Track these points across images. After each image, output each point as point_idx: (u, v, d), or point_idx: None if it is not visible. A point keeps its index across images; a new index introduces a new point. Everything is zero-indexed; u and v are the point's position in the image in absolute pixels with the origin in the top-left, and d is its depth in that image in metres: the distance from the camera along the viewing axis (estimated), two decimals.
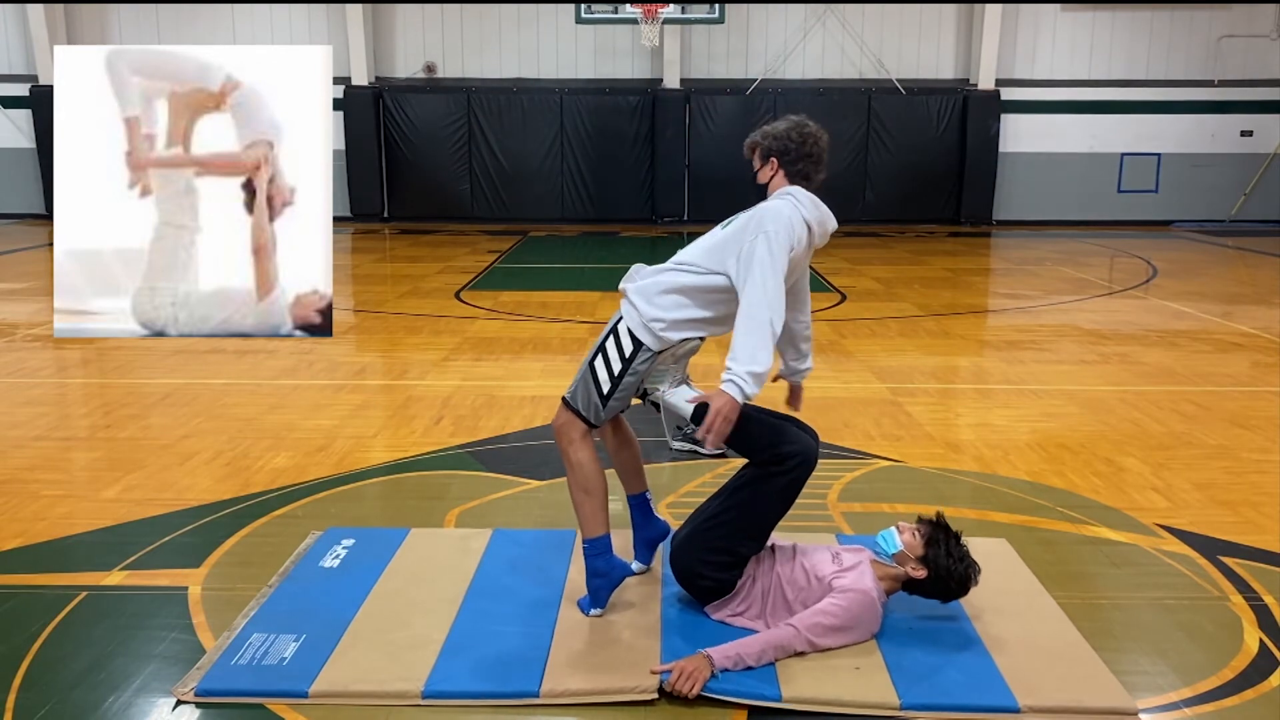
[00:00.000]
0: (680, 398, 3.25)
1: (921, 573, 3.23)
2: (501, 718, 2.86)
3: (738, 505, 3.26)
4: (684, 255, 3.32)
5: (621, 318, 3.28)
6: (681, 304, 3.21)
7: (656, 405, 3.25)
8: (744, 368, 2.98)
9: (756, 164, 3.43)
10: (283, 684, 2.94)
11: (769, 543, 3.37)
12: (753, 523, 3.26)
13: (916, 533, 3.28)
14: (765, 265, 3.08)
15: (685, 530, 3.40)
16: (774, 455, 3.18)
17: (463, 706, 2.89)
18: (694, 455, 4.95)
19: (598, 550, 3.32)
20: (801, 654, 3.08)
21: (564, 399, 3.33)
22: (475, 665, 3.04)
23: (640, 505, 3.64)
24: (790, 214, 3.22)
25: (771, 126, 3.40)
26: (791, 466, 3.17)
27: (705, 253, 3.26)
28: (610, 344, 3.27)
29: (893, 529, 3.33)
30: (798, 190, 3.32)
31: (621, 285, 3.32)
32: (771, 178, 3.38)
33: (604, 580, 3.34)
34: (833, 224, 3.37)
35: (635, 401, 3.41)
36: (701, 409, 3.07)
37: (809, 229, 3.26)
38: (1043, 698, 2.88)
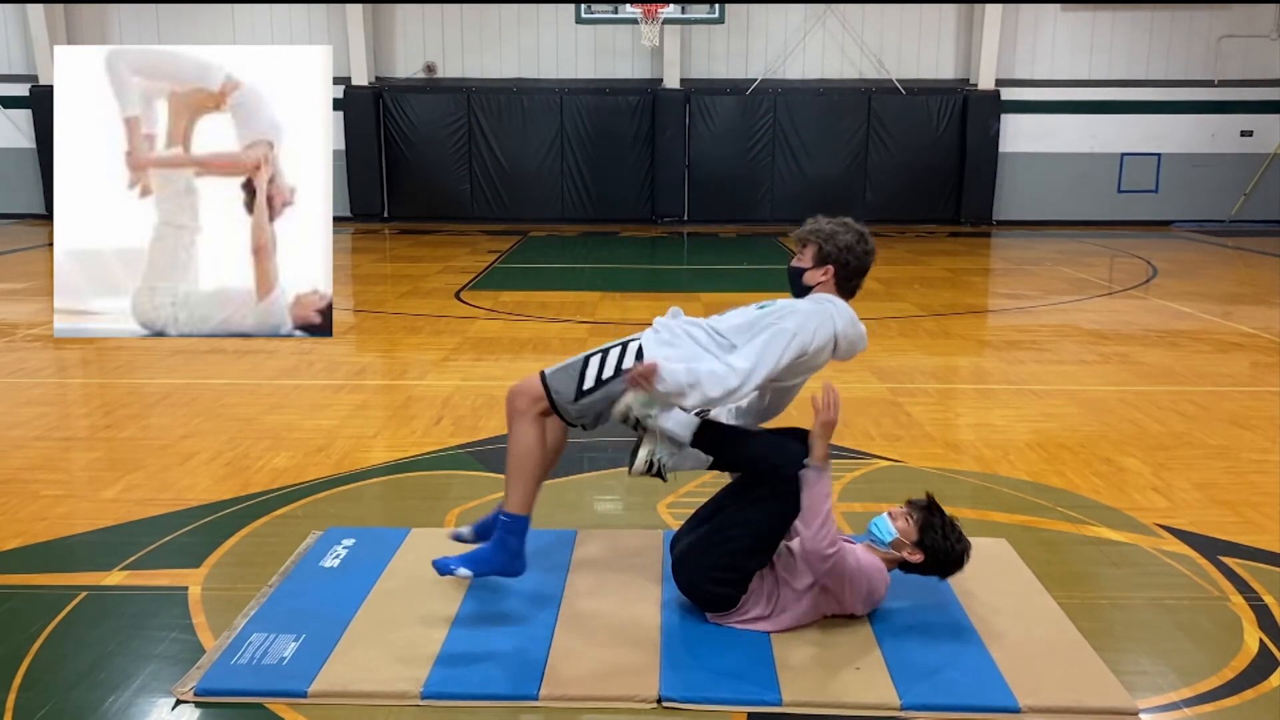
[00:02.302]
0: (673, 420, 3.14)
1: (918, 557, 3.28)
2: (501, 718, 2.86)
3: (747, 526, 3.21)
4: (718, 324, 3.27)
5: (642, 342, 3.25)
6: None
7: (639, 425, 3.14)
8: (692, 378, 2.99)
9: (808, 262, 3.32)
10: (282, 684, 2.94)
11: None
12: (761, 544, 3.23)
13: (909, 518, 3.30)
14: (768, 348, 3.08)
15: (686, 540, 3.37)
16: (780, 476, 3.15)
17: (462, 707, 2.89)
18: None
19: (514, 529, 3.22)
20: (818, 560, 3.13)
21: (542, 372, 3.28)
22: (475, 666, 3.04)
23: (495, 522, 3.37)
24: (819, 324, 3.17)
25: (835, 231, 3.28)
26: (785, 491, 3.15)
27: (735, 330, 3.22)
28: (616, 352, 3.25)
29: (884, 516, 3.35)
30: (840, 303, 3.27)
31: (659, 321, 3.30)
32: (820, 282, 3.31)
33: (501, 558, 3.20)
34: (864, 345, 3.31)
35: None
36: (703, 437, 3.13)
37: (835, 345, 3.22)
38: (1043, 698, 2.89)
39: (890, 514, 3.35)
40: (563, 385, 3.24)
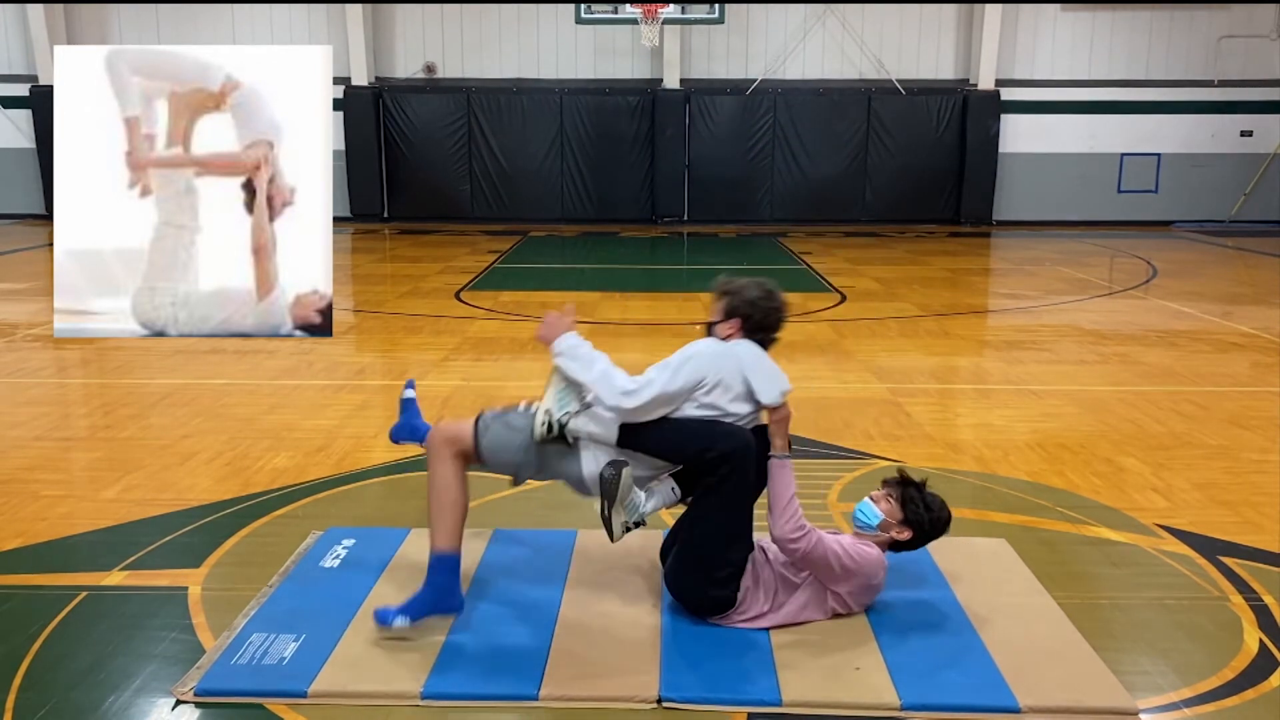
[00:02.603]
0: (594, 420, 3.21)
1: (907, 534, 3.33)
2: (501, 718, 2.86)
3: (710, 520, 3.24)
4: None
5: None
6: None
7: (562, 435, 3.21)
8: (596, 361, 3.23)
9: (718, 315, 3.46)
10: (282, 684, 2.94)
11: (759, 544, 3.37)
12: (732, 530, 3.24)
13: (889, 498, 3.35)
14: (664, 369, 3.22)
15: (671, 559, 3.41)
16: (704, 463, 3.18)
17: (462, 707, 2.89)
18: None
19: (442, 567, 3.22)
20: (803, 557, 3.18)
21: (478, 417, 3.34)
22: (475, 666, 3.04)
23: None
24: (718, 355, 3.29)
25: (743, 287, 3.44)
26: (726, 472, 3.15)
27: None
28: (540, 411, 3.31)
29: (866, 501, 3.39)
30: (747, 344, 3.36)
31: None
32: (728, 334, 3.43)
33: (433, 597, 3.20)
34: (784, 384, 3.30)
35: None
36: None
37: (746, 384, 3.26)
38: (1043, 698, 2.89)
39: (872, 497, 3.40)
40: (494, 435, 3.30)
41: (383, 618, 3.17)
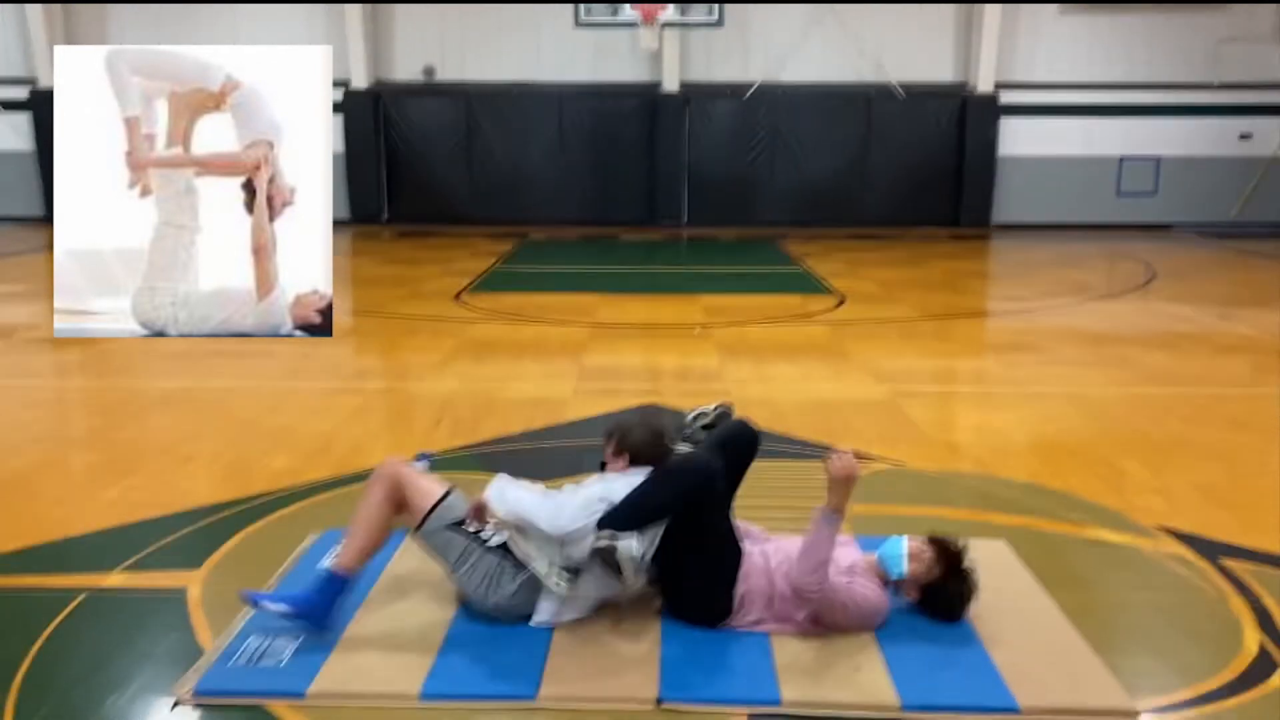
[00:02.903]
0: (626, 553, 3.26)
1: (914, 597, 3.30)
2: (500, 718, 2.86)
3: (690, 546, 3.23)
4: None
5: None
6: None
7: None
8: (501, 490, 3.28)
9: (610, 450, 3.54)
10: (281, 684, 2.94)
11: (751, 548, 3.36)
12: (710, 549, 3.23)
13: (923, 558, 3.26)
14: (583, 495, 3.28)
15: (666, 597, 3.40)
16: (679, 515, 3.22)
17: (461, 708, 2.88)
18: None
19: (334, 586, 3.23)
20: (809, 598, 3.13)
21: (447, 492, 3.37)
22: (473, 667, 3.04)
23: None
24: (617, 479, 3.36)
25: (632, 427, 3.54)
26: (695, 512, 3.21)
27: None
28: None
29: (900, 550, 3.30)
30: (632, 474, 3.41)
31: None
32: (621, 466, 3.49)
33: (311, 603, 3.20)
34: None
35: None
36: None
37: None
38: (1043, 698, 2.89)
39: (911, 552, 3.30)
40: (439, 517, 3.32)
41: (253, 597, 3.23)
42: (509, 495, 3.28)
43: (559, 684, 2.95)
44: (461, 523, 3.33)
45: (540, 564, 3.19)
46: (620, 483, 3.29)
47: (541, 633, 3.22)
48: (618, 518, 3.14)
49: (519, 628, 3.26)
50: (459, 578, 3.32)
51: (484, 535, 3.34)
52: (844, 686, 2.95)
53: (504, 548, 3.29)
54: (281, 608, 3.18)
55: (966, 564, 3.29)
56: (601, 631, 3.25)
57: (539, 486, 3.43)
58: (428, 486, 3.38)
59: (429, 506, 3.33)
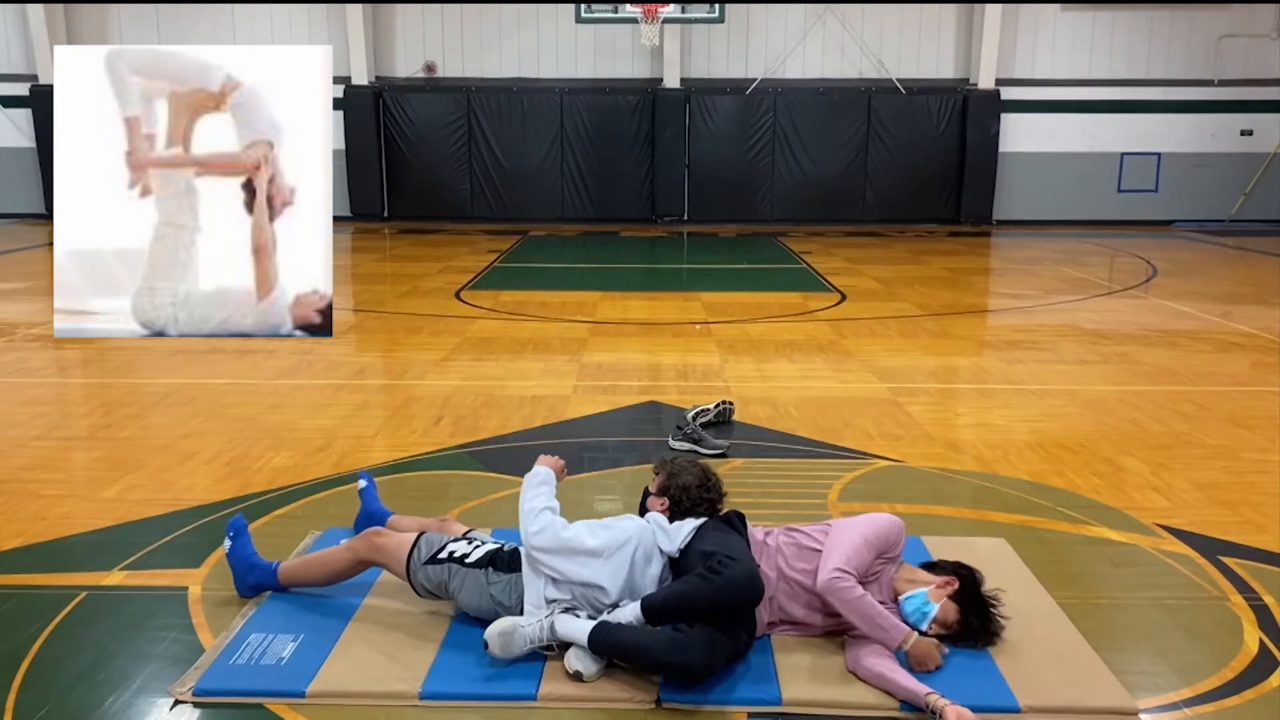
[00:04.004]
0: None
1: (932, 632, 3.16)
2: (500, 718, 2.86)
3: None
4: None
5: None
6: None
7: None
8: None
9: (655, 489, 3.60)
10: (280, 684, 2.94)
11: (766, 540, 3.34)
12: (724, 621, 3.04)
13: (951, 606, 3.15)
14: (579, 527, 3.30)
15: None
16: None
17: (460, 708, 2.89)
18: (694, 454, 4.96)
19: (264, 574, 3.50)
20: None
21: (418, 538, 3.38)
22: (473, 666, 3.04)
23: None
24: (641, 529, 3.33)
25: (681, 469, 3.58)
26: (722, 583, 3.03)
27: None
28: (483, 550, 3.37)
29: (927, 603, 3.17)
30: (658, 518, 3.40)
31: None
32: (660, 508, 3.53)
33: (245, 565, 3.50)
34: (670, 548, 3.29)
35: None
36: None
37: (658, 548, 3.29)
38: (1043, 698, 2.89)
39: (931, 595, 3.17)
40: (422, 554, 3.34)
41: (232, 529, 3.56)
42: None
43: (559, 684, 2.95)
44: (438, 554, 3.32)
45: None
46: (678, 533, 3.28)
47: None
48: (655, 608, 3.05)
49: None
50: (460, 602, 3.31)
51: (461, 554, 3.32)
52: (844, 686, 2.96)
53: (487, 559, 3.29)
54: (229, 547, 3.53)
55: (993, 606, 3.18)
56: None
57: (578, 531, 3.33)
58: (397, 548, 3.37)
59: (405, 559, 3.34)
